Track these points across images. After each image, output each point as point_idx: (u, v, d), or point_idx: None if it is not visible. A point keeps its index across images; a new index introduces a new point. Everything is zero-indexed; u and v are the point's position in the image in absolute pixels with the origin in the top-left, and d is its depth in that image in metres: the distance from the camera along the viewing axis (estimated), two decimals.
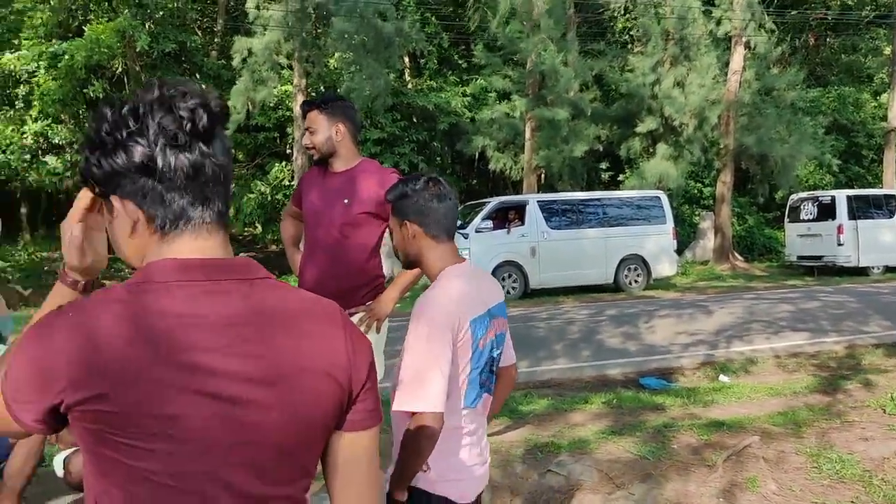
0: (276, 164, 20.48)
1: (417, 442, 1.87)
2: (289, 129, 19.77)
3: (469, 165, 24.05)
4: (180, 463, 1.04)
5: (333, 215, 3.23)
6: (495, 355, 2.09)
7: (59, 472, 3.53)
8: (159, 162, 1.08)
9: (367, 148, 18.88)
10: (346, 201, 3.21)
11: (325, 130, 3.19)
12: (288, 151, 20.56)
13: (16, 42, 17.46)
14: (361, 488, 1.18)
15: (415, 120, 21.39)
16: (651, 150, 19.34)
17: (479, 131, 19.85)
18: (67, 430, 1.09)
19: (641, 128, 18.73)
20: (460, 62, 24.69)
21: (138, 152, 1.08)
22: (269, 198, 20.03)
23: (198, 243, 1.12)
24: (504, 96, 20.83)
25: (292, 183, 19.27)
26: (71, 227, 1.26)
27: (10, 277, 21.13)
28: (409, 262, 2.16)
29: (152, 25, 17.76)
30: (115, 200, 1.13)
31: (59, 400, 1.03)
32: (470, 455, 2.04)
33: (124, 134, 1.08)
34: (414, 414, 1.87)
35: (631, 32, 23.33)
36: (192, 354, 1.04)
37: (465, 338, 1.94)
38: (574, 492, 3.90)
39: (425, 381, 1.86)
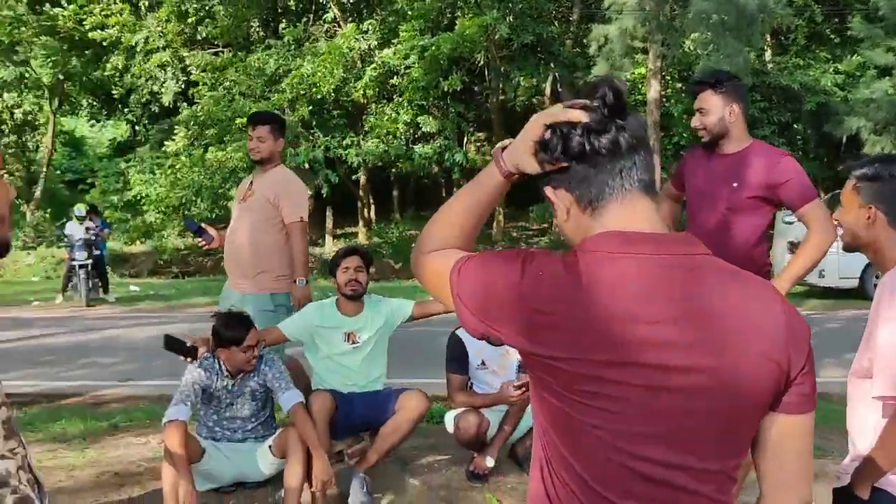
0: None
1: None
2: (642, 112, 19.55)
3: (836, 149, 21.70)
4: (619, 424, 1.09)
5: (719, 199, 3.12)
6: None
7: (450, 428, 3.91)
8: (586, 146, 1.15)
9: None
10: (734, 185, 3.07)
11: (718, 111, 3.07)
12: None
13: (394, 41, 19.54)
14: (792, 474, 1.17)
15: (776, 100, 19.86)
16: None
17: (854, 111, 17.78)
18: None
19: None
20: (832, 37, 22.32)
21: (575, 141, 1.16)
22: None
23: (625, 215, 1.16)
24: (885, 72, 18.41)
25: None
26: (540, 125, 1.21)
27: (384, 253, 23.85)
28: (853, 247, 2.00)
29: (512, 18, 18.68)
30: (549, 191, 1.23)
31: (495, 331, 1.18)
32: None
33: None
34: None
35: None
36: (635, 324, 1.08)
37: None
38: None
39: None
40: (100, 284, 13.31)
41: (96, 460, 4.07)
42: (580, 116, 1.16)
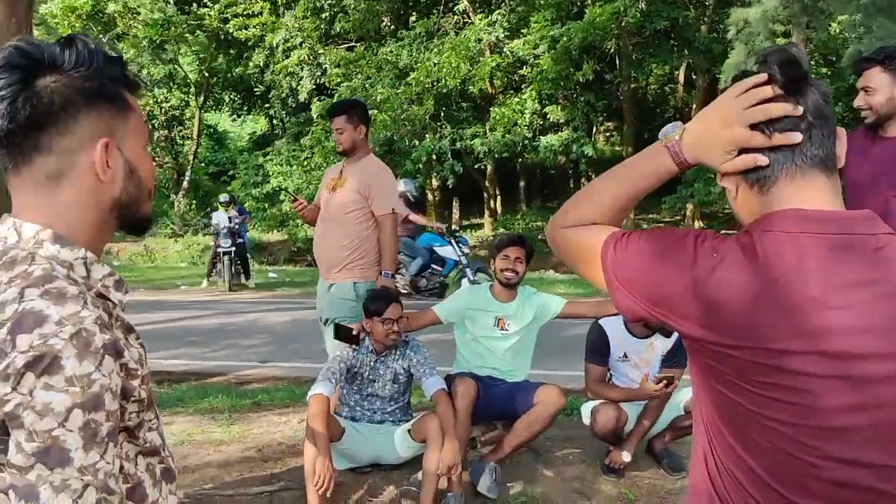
0: None
1: None
2: None
3: None
4: (798, 417, 1.01)
5: (884, 185, 2.89)
6: None
7: (587, 420, 3.85)
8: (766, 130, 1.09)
9: None
10: None
11: (886, 90, 2.85)
12: None
13: (524, 31, 19.42)
14: None
15: None
16: None
17: None
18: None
19: None
20: None
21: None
22: None
23: (798, 193, 1.09)
24: None
25: None
26: (739, 124, 1.12)
27: None
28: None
29: (645, 4, 18.15)
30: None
31: (658, 315, 1.11)
32: None
33: None
34: None
35: None
36: (817, 309, 1.00)
37: None
38: None
39: None
40: (242, 271, 13.95)
41: (241, 436, 4.27)
42: (784, 110, 1.08)
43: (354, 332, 3.60)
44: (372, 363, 3.64)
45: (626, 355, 3.83)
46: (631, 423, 3.75)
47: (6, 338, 0.92)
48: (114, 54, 1.10)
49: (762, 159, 1.10)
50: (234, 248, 13.28)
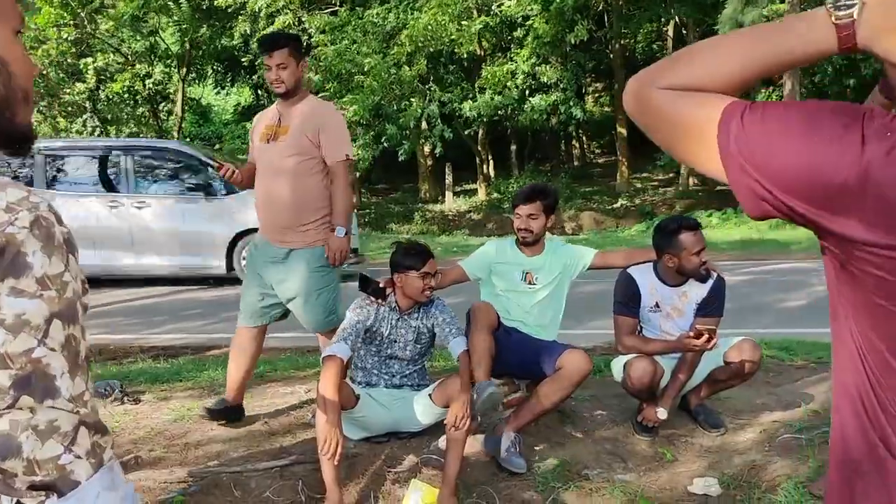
0: None
1: None
2: None
3: None
4: None
5: None
6: None
7: (618, 376, 3.59)
8: None
9: None
10: None
11: None
12: None
13: None
14: None
15: None
16: None
17: None
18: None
19: None
20: None
21: None
22: None
23: None
24: None
25: None
26: None
27: (504, 208, 23.60)
28: None
29: None
30: None
31: (797, 210, 0.84)
32: None
33: None
34: None
35: None
36: None
37: None
38: None
39: None
40: None
41: (245, 409, 4.00)
42: None
43: (381, 286, 3.32)
44: (394, 322, 3.37)
45: (657, 305, 3.56)
46: (666, 378, 3.50)
47: None
48: None
49: None
50: None
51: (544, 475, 3.17)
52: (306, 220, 3.60)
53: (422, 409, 3.34)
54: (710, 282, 3.50)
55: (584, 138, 31.79)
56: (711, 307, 3.48)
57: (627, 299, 3.55)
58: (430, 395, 3.30)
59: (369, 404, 3.30)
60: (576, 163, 29.95)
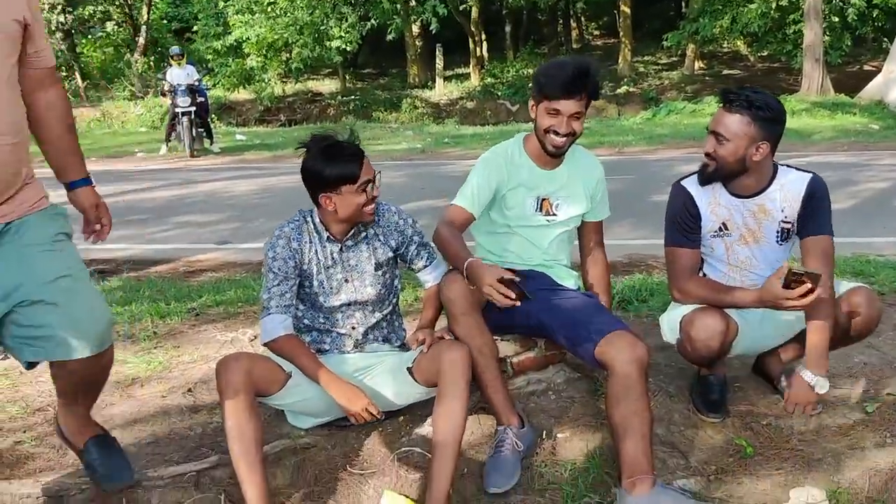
0: None
1: None
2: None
3: None
4: None
5: None
6: None
7: (670, 336, 2.55)
8: None
9: None
10: None
11: None
12: None
13: None
14: None
15: None
16: None
17: None
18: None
19: None
20: None
21: None
22: None
23: None
24: None
25: None
26: None
27: (499, 94, 22.15)
28: None
29: None
30: None
31: None
32: None
33: None
34: None
35: None
36: None
37: None
38: None
39: None
40: (204, 133, 12.48)
41: (165, 369, 2.98)
42: None
43: (517, 280, 2.11)
44: (335, 256, 2.33)
45: (724, 226, 2.45)
46: (744, 340, 2.44)
47: None
48: None
49: None
50: (194, 108, 11.72)
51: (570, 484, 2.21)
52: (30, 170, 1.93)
53: (397, 386, 2.32)
54: (802, 183, 2.42)
55: (582, 19, 29.91)
56: (811, 226, 2.38)
57: (684, 223, 2.45)
58: (408, 367, 2.29)
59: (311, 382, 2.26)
60: (574, 45, 28.16)
